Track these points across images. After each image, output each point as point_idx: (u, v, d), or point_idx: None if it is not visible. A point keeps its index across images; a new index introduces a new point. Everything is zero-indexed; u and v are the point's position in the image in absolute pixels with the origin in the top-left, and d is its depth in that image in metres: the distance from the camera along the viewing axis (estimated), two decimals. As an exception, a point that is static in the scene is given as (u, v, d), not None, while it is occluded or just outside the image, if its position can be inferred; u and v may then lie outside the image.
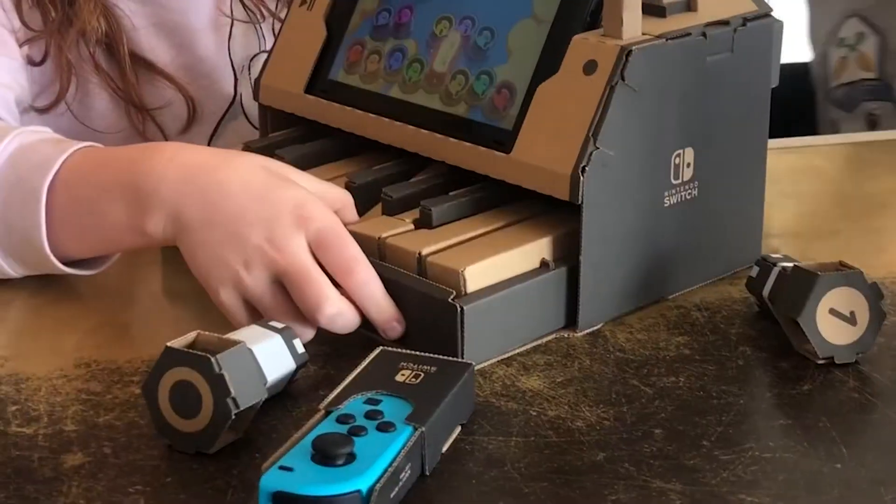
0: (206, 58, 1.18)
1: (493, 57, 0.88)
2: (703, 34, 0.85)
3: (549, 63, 0.85)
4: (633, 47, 0.81)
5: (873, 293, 0.81)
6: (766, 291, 0.85)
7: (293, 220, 0.81)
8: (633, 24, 0.83)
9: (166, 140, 1.15)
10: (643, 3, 0.85)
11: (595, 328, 0.84)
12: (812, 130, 1.60)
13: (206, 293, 0.83)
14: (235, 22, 1.18)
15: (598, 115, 0.81)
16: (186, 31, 1.17)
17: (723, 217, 0.91)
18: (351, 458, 0.64)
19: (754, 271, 0.87)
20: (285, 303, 0.81)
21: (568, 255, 0.83)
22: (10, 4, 1.11)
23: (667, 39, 0.83)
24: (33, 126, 0.95)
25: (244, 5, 1.19)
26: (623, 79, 0.81)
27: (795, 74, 1.58)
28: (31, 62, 1.12)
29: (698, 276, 0.90)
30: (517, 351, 0.82)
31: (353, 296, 0.81)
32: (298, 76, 0.99)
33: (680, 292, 0.90)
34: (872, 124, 1.51)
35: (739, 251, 0.92)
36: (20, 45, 1.11)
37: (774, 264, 0.85)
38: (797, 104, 1.56)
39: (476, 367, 0.78)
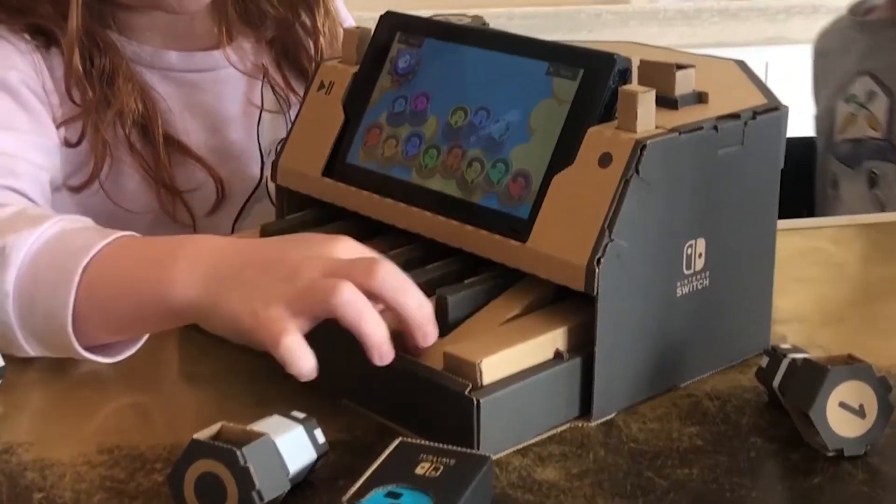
0: (236, 141, 1.21)
1: (510, 144, 0.90)
2: (715, 128, 0.87)
3: (564, 153, 0.86)
4: (648, 141, 0.83)
5: (881, 387, 0.82)
6: (776, 382, 0.86)
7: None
8: (647, 117, 0.85)
9: (193, 220, 1.17)
10: (656, 95, 0.88)
11: (608, 417, 0.86)
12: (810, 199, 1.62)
13: (225, 378, 0.85)
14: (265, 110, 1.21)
15: (613, 207, 0.82)
16: (218, 115, 1.20)
17: (733, 305, 0.92)
18: (375, 553, 0.66)
19: (764, 361, 0.88)
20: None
21: (582, 344, 0.84)
22: (52, 86, 1.13)
23: (679, 133, 0.85)
24: (76, 216, 0.97)
25: (275, 93, 1.22)
26: (637, 172, 0.83)
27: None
28: (67, 144, 1.14)
29: (709, 365, 0.92)
30: (532, 441, 0.83)
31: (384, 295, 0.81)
32: (316, 159, 1.01)
33: (691, 381, 0.91)
34: (872, 182, 1.54)
35: (749, 339, 0.94)
36: (58, 127, 1.13)
37: (784, 355, 0.87)
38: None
39: (495, 457, 0.79)
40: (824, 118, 1.65)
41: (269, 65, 1.27)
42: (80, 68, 1.15)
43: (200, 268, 0.85)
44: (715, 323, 0.91)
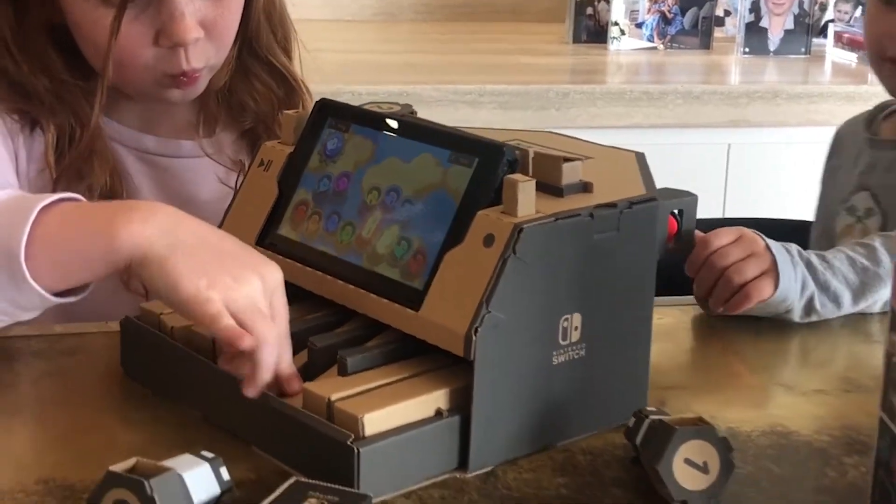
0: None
1: (413, 223, 1.02)
2: (591, 215, 0.99)
3: (456, 233, 0.98)
4: (525, 225, 0.95)
5: (723, 446, 0.93)
6: (638, 440, 0.97)
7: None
8: (528, 203, 0.97)
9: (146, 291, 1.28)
10: (544, 184, 1.00)
11: (487, 469, 0.97)
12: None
13: (158, 425, 1.00)
14: None
15: (492, 282, 0.94)
16: (188, 200, 1.33)
17: (610, 374, 1.03)
18: (249, 573, 0.77)
19: (631, 422, 0.99)
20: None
21: (462, 405, 0.95)
22: (25, 167, 1.27)
23: (557, 219, 0.97)
24: None
25: None
26: (515, 252, 0.94)
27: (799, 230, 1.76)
28: None
29: (587, 427, 1.03)
30: (418, 486, 0.94)
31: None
32: (251, 229, 1.13)
33: (569, 440, 1.02)
34: None
35: (626, 405, 1.03)
36: None
37: (647, 417, 0.98)
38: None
39: (378, 500, 0.91)
40: (826, 219, 1.74)
41: (247, 160, 1.39)
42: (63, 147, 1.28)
43: (155, 223, 0.99)
44: (592, 390, 1.02)
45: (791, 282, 1.27)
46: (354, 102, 1.16)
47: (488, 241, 0.96)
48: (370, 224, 1.04)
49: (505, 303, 0.94)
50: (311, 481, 0.88)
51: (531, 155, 1.03)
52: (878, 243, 1.33)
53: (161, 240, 0.98)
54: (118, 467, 0.85)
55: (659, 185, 1.14)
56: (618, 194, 1.03)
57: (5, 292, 1.02)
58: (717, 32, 3.10)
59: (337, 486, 0.87)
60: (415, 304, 0.98)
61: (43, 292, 1.01)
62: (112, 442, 1.01)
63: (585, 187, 1.03)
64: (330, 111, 1.14)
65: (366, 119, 1.11)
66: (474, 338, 0.93)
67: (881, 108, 1.74)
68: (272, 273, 1.00)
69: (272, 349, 0.96)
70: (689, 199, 1.17)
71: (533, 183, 0.97)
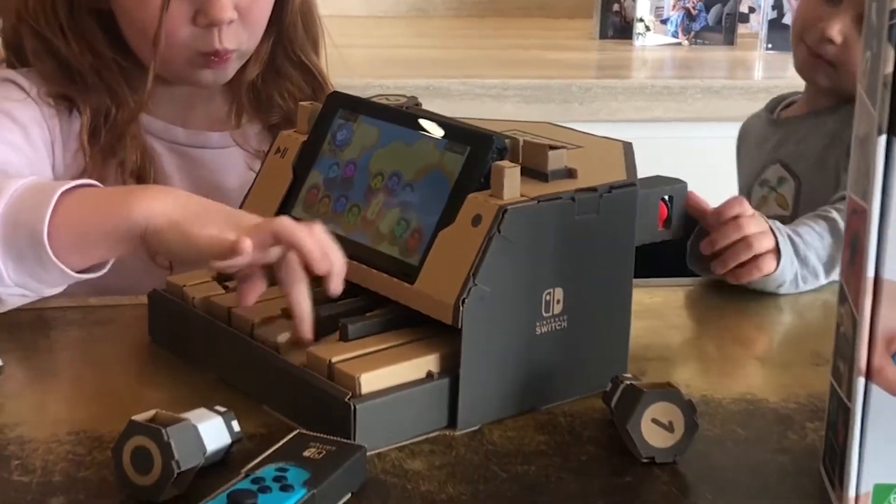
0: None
1: (412, 205, 1.12)
2: (573, 198, 1.09)
3: (449, 214, 1.08)
4: (509, 206, 1.05)
5: (688, 408, 1.03)
6: (613, 403, 1.07)
7: None
8: (513, 187, 1.06)
9: (171, 265, 1.38)
10: (530, 169, 1.10)
11: (474, 428, 1.07)
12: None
13: (181, 386, 1.11)
14: None
15: (479, 258, 1.04)
16: (215, 188, 1.43)
17: (591, 345, 1.12)
18: (254, 508, 0.88)
19: (608, 387, 1.09)
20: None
21: (452, 368, 1.05)
22: (61, 151, 1.38)
23: (539, 201, 1.07)
24: None
25: None
26: (499, 231, 1.04)
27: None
28: None
29: (569, 393, 1.12)
30: (411, 441, 1.04)
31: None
32: (268, 210, 1.23)
33: (553, 404, 1.12)
34: None
35: (607, 373, 1.11)
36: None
37: (623, 382, 1.07)
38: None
39: (373, 451, 1.01)
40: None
41: None
42: (99, 126, 1.39)
43: (168, 197, 1.10)
44: (573, 358, 1.12)
45: (788, 260, 1.36)
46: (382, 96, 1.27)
47: (476, 221, 1.06)
48: (374, 206, 1.15)
49: (490, 277, 1.04)
50: (312, 433, 0.99)
51: (521, 143, 1.13)
52: (835, 215, 1.43)
53: (174, 209, 1.09)
54: (139, 417, 0.95)
55: (677, 176, 1.25)
56: (600, 179, 1.12)
57: (31, 269, 1.12)
58: (741, 29, 3.18)
59: (335, 438, 0.97)
60: (411, 278, 1.08)
61: (65, 268, 1.12)
62: (137, 400, 1.12)
63: (570, 173, 1.12)
64: (340, 103, 1.24)
65: (373, 110, 1.21)
66: (462, 308, 1.03)
67: (778, 100, 1.91)
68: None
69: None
70: (679, 186, 1.27)
71: (518, 169, 1.07)
